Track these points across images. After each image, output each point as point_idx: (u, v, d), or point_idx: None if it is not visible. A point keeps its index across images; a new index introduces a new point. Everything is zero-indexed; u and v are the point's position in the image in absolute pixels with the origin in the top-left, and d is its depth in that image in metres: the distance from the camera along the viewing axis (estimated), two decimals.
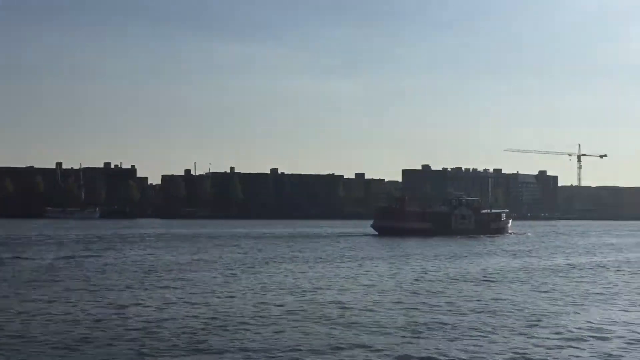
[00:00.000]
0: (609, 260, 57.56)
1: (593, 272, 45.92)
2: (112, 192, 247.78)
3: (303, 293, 32.76)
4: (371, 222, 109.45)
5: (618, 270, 48.14)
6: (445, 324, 24.37)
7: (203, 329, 23.00)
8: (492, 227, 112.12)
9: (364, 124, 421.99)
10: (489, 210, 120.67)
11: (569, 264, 52.73)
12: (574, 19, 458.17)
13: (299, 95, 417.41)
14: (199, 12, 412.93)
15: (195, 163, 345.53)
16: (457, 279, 39.99)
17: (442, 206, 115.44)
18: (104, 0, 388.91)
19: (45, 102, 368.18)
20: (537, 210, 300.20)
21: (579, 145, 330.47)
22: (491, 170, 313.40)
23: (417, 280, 39.39)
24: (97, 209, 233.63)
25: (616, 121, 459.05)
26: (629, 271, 47.22)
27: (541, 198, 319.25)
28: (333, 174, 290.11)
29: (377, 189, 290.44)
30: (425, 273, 43.57)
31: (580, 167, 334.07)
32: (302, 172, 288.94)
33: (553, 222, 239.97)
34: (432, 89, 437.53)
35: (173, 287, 34.48)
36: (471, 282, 38.76)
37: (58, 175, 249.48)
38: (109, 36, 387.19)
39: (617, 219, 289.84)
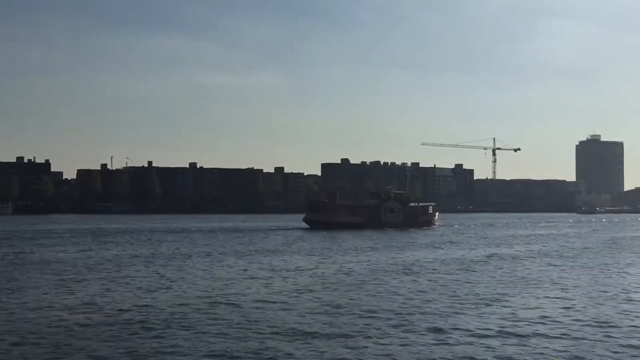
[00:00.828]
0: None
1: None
2: (25, 187, 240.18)
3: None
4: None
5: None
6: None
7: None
8: (420, 220, 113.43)
9: (283, 118, 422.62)
10: (416, 204, 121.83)
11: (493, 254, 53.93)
12: (487, 15, 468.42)
13: (218, 89, 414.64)
14: (117, 5, 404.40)
15: (112, 157, 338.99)
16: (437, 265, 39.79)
17: (372, 200, 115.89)
18: None
19: None
20: (454, 203, 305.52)
21: (494, 139, 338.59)
22: (409, 164, 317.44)
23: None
24: (10, 204, 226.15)
25: (529, 116, 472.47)
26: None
27: (458, 191, 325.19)
28: (252, 168, 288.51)
29: (296, 183, 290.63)
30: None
31: (495, 161, 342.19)
32: (222, 167, 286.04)
33: (470, 215, 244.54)
34: (351, 84, 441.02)
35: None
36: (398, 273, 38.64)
37: None
38: (25, 28, 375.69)
39: (531, 210, 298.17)
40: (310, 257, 50.92)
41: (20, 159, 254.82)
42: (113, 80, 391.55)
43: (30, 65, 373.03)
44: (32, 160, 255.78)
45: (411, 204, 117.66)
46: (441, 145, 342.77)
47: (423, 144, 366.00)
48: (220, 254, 53.68)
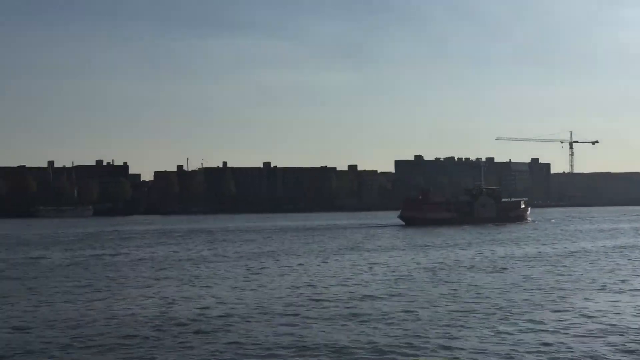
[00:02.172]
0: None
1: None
2: (104, 190, 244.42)
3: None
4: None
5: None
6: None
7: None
8: (513, 215, 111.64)
9: (355, 115, 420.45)
10: (509, 199, 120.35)
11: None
12: (561, 5, 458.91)
13: (289, 88, 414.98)
14: (192, 8, 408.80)
15: (187, 158, 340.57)
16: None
17: (465, 196, 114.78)
18: None
19: (37, 101, 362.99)
20: (531, 198, 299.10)
21: (571, 132, 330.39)
22: (483, 159, 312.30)
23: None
24: (91, 207, 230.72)
25: (607, 108, 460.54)
26: None
27: (534, 186, 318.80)
28: (325, 166, 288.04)
29: (370, 180, 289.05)
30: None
31: (572, 154, 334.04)
32: (295, 165, 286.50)
33: (548, 210, 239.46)
34: (422, 79, 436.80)
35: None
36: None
37: (50, 174, 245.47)
38: (100, 32, 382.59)
39: (611, 204, 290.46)
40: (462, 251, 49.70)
41: (99, 162, 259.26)
42: (186, 83, 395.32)
43: (107, 70, 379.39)
44: (111, 163, 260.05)
45: (503, 200, 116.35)
46: (516, 139, 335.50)
47: (497, 138, 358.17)
48: (353, 249, 54.38)
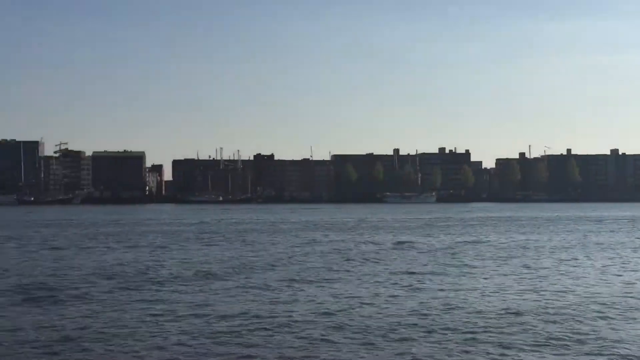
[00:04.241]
0: None
1: None
2: (447, 177, 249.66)
3: None
4: None
5: None
6: None
7: None
8: None
9: None
10: None
11: None
12: None
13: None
14: None
15: (530, 146, 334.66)
16: None
17: None
18: None
19: (399, 91, 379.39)
20: None
21: None
22: None
23: None
24: (434, 193, 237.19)
25: None
26: None
27: None
28: None
29: None
30: None
31: None
32: None
33: None
34: None
35: None
36: None
37: (396, 161, 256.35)
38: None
39: None
40: None
41: (442, 149, 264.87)
42: (526, 69, 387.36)
43: (465, 61, 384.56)
44: (453, 150, 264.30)
45: None
46: None
47: None
48: None
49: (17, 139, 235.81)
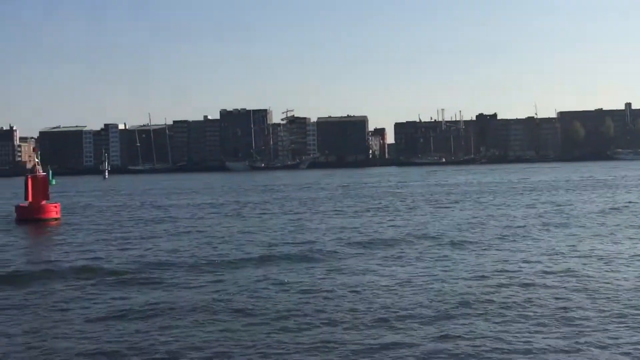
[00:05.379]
0: None
1: None
2: None
3: None
4: None
5: None
6: None
7: None
8: None
9: None
10: None
11: None
12: None
13: None
14: None
15: None
16: None
17: None
18: None
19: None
20: None
21: None
22: None
23: None
24: None
25: None
26: None
27: None
28: None
29: None
30: None
31: None
32: None
33: None
34: None
35: None
36: None
37: (628, 116, 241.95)
38: None
39: None
40: None
41: None
42: None
43: None
44: None
45: None
46: None
47: None
48: None
49: (247, 108, 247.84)
